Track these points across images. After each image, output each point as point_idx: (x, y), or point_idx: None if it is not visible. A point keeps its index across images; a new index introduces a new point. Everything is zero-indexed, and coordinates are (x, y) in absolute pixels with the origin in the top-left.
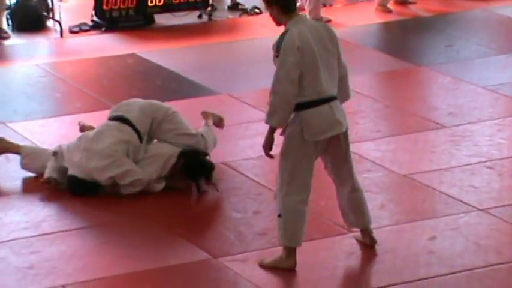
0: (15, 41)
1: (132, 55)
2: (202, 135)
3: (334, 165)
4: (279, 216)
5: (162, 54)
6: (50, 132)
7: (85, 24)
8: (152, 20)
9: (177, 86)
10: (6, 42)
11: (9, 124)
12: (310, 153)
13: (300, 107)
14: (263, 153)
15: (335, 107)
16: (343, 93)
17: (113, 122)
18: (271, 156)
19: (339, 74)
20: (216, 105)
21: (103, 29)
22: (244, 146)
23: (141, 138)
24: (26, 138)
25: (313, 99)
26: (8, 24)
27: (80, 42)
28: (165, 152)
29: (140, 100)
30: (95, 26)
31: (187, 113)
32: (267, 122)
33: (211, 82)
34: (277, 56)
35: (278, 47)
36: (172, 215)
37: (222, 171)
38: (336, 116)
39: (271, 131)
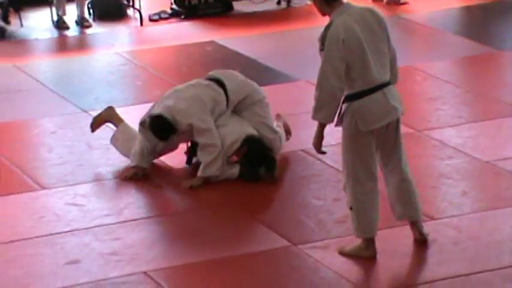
0: (96, 29)
1: (211, 42)
2: (280, 137)
3: (384, 153)
4: (351, 208)
5: (241, 41)
6: (132, 120)
7: (164, 12)
8: (231, 7)
9: (255, 73)
10: (88, 31)
11: (91, 112)
12: (369, 142)
13: (352, 97)
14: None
15: (389, 93)
16: (392, 76)
17: (207, 81)
18: (323, 153)
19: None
20: (294, 91)
21: (182, 16)
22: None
23: (227, 105)
24: (107, 126)
25: (364, 89)
26: (90, 13)
27: (160, 30)
28: (231, 136)
29: (243, 76)
30: (174, 14)
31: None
32: (313, 117)
33: (290, 69)
34: (322, 50)
35: (323, 40)
36: (252, 203)
37: (301, 158)
38: (391, 102)
39: (320, 127)
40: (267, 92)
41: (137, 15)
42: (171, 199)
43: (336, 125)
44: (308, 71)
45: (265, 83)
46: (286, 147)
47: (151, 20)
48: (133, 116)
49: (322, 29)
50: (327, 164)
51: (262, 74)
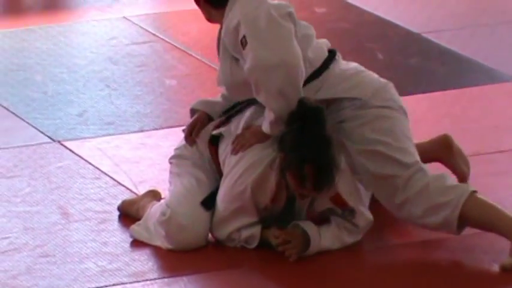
0: None
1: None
2: (422, 168)
3: None
4: None
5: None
6: (155, 160)
7: None
8: None
9: (430, 65)
10: None
11: (68, 143)
12: None
13: None
14: None
15: None
16: None
17: None
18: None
19: None
20: (505, 102)
21: None
22: None
23: None
24: (103, 173)
25: None
26: None
27: None
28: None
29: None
30: None
31: (443, 117)
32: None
33: (495, 56)
34: None
35: None
36: None
37: None
38: None
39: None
40: (445, 101)
41: None
42: None
43: None
44: None
45: (441, 83)
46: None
47: None
48: (158, 151)
49: None
50: None
51: (442, 64)
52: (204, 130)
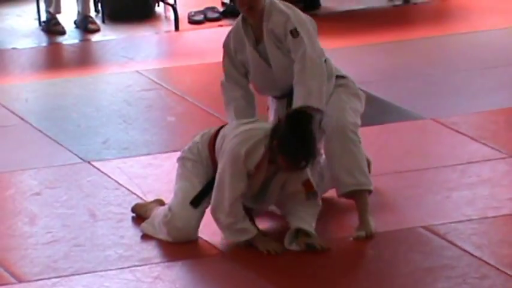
0: (106, 35)
1: None
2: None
3: None
4: None
5: (333, 55)
6: (160, 176)
7: (213, 9)
8: (316, 3)
9: (365, 108)
10: (94, 38)
11: (96, 163)
12: None
13: None
14: (489, 213)
15: None
16: None
17: None
18: None
19: None
20: (414, 135)
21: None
22: (457, 200)
23: None
24: (121, 185)
25: None
26: (97, 11)
27: (205, 38)
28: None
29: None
30: (229, 13)
31: (370, 145)
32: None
33: (408, 101)
34: None
35: None
36: None
37: (423, 239)
38: None
39: None
40: (371, 134)
41: (171, 14)
42: None
43: None
44: (435, 104)
45: (368, 120)
46: (400, 222)
47: (192, 21)
48: (162, 169)
49: (457, 39)
50: (464, 250)
51: (367, 107)
52: (207, 133)
